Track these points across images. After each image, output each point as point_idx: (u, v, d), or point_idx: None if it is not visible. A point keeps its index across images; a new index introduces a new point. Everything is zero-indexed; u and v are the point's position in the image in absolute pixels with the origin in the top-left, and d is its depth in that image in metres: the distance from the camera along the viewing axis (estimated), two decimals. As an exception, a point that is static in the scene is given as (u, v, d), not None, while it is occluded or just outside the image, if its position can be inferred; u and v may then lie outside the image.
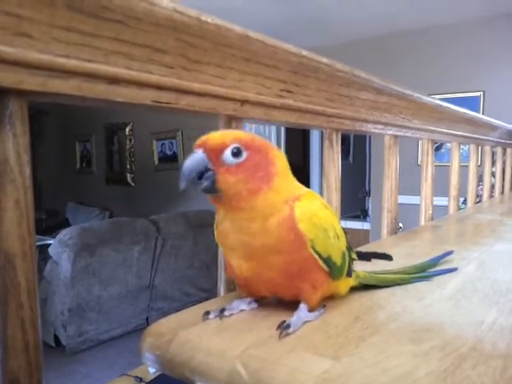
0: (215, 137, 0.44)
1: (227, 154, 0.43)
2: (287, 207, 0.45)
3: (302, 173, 4.66)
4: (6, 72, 0.36)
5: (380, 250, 0.66)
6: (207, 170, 0.43)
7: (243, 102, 0.60)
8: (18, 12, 0.35)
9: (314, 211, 0.46)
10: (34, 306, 0.41)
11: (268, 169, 0.45)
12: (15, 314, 0.40)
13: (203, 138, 0.44)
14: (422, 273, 0.65)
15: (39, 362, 0.42)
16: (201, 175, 0.43)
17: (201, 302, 0.54)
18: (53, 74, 0.40)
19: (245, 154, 0.44)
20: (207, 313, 0.47)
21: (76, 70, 0.41)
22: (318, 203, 0.48)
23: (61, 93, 0.42)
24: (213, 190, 0.43)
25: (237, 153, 0.43)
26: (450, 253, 0.74)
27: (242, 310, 0.49)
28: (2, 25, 0.34)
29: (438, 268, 0.68)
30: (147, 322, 3.45)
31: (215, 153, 0.43)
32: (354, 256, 0.56)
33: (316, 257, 0.46)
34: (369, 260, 0.60)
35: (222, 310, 0.48)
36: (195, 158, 0.43)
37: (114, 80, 0.45)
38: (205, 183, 0.43)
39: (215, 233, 0.49)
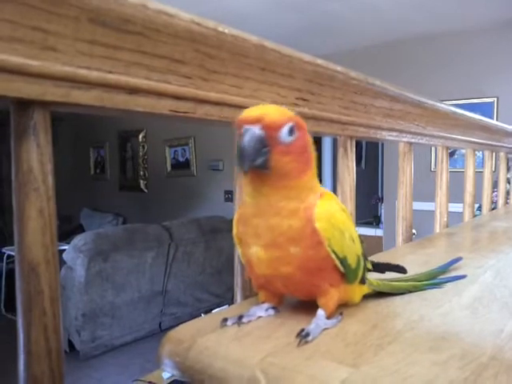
0: (272, 113, 0.43)
1: (284, 132, 0.42)
2: (314, 199, 0.46)
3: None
4: (31, 84, 0.37)
5: (395, 258, 0.66)
6: (263, 146, 0.42)
7: (259, 110, 0.60)
8: (46, 27, 0.36)
9: (333, 213, 0.47)
10: (56, 313, 0.42)
11: (309, 150, 0.46)
12: (38, 321, 0.41)
13: (256, 112, 0.43)
14: (433, 280, 0.65)
15: (61, 368, 0.43)
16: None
17: (213, 307, 0.54)
18: (75, 85, 0.41)
19: (296, 134, 0.43)
20: (225, 319, 0.47)
21: (97, 81, 0.42)
22: (336, 206, 0.48)
23: (82, 103, 0.43)
24: (265, 167, 0.42)
25: (290, 132, 0.43)
26: (458, 259, 0.74)
27: (259, 317, 0.50)
28: (31, 39, 0.35)
29: (449, 275, 0.68)
30: (160, 328, 3.46)
31: (273, 130, 0.42)
32: (369, 266, 0.56)
33: (333, 256, 0.46)
34: (383, 272, 0.60)
35: (240, 317, 0.48)
36: (255, 137, 0.41)
37: (133, 90, 0.46)
38: (259, 160, 0.41)
39: (234, 222, 0.49)
